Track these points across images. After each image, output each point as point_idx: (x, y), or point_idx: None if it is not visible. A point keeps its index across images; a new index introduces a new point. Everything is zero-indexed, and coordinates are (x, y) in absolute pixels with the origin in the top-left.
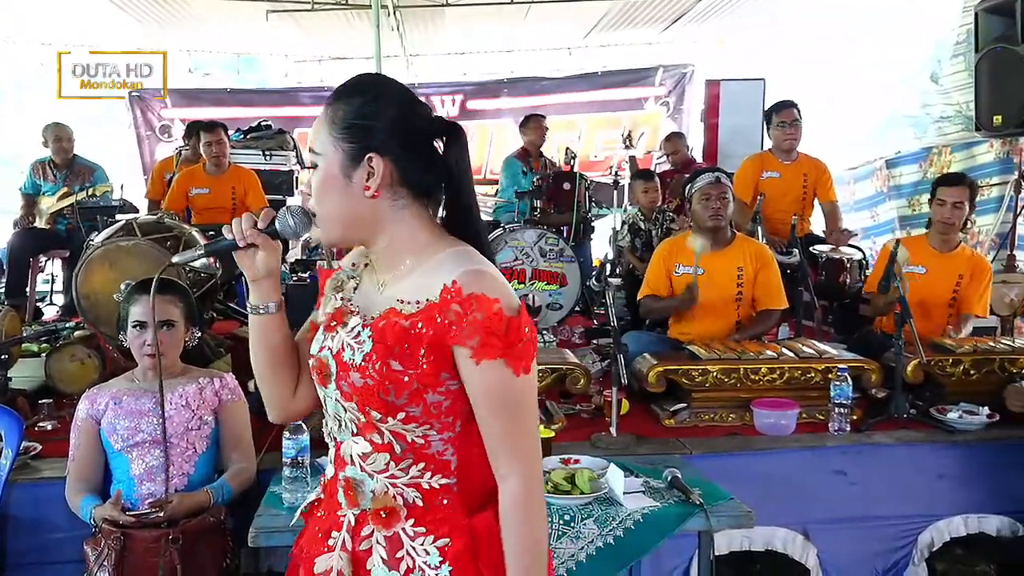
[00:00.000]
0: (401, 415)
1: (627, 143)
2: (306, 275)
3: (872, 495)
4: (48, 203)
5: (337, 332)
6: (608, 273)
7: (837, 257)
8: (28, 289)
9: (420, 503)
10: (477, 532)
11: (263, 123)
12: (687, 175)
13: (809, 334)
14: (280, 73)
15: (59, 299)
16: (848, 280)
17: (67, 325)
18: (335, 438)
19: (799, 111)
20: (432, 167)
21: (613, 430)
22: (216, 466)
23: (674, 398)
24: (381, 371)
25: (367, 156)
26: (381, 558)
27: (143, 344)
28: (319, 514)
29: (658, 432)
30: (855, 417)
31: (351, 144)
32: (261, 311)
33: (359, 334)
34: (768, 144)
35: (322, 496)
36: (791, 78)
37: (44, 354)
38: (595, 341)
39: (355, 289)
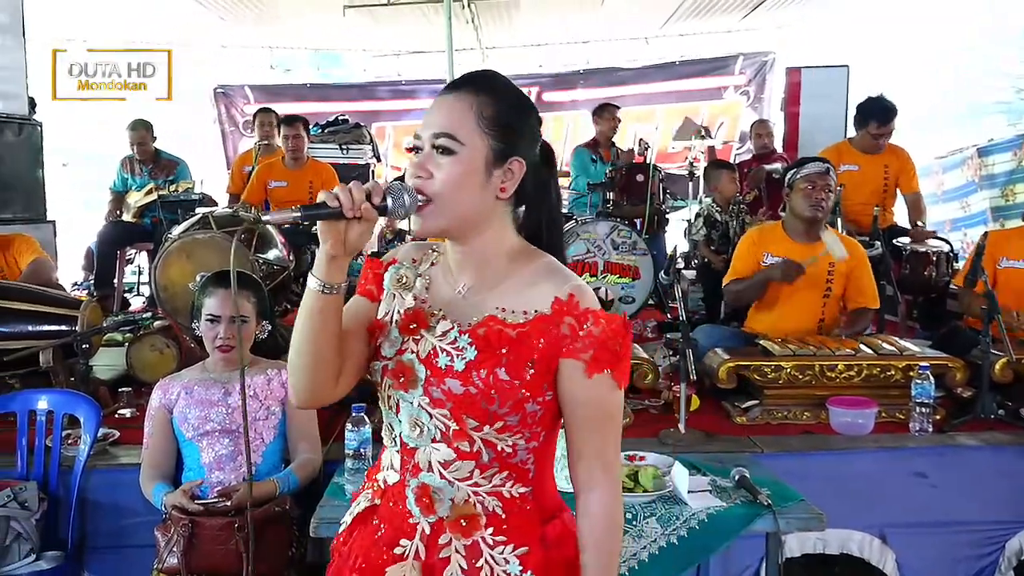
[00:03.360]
0: (499, 424)
1: (702, 135)
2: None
3: (955, 499)
4: (135, 197)
5: (422, 336)
6: (682, 266)
7: (922, 250)
8: (116, 280)
9: (500, 511)
10: (549, 540)
11: (340, 118)
12: (765, 165)
13: (893, 329)
14: (359, 68)
15: (146, 290)
16: (934, 274)
17: (145, 315)
18: (406, 444)
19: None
20: (538, 179)
21: (682, 426)
22: (283, 456)
23: (746, 395)
24: (487, 380)
25: (511, 159)
26: (460, 567)
27: (215, 337)
28: (375, 522)
29: (729, 429)
30: (938, 417)
31: (499, 143)
32: (332, 291)
33: (455, 340)
34: (850, 133)
35: (377, 503)
36: (876, 64)
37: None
38: (667, 335)
39: (427, 288)
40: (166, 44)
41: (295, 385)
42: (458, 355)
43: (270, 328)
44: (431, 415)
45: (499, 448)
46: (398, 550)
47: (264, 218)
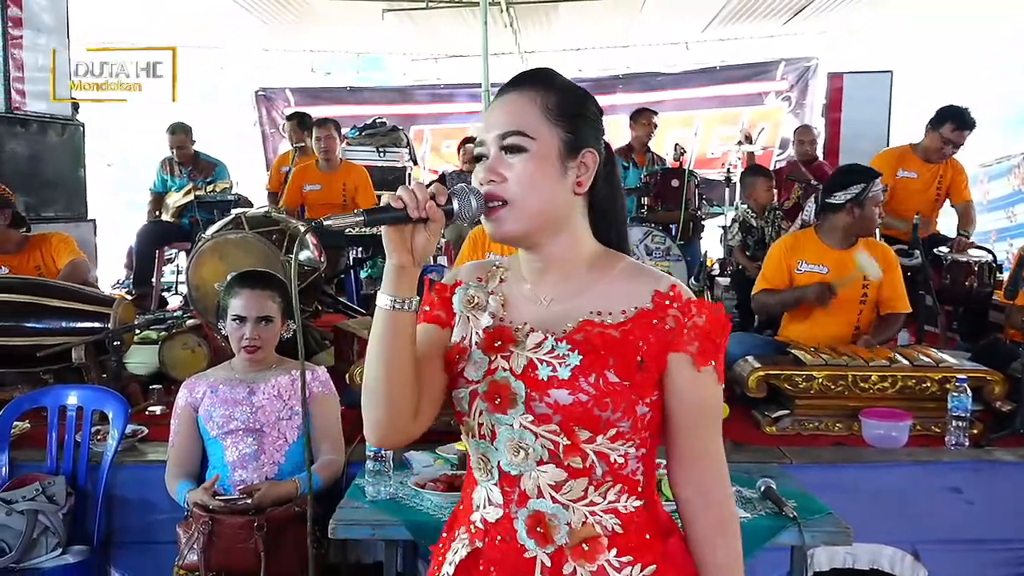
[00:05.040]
0: (612, 431)
1: (745, 141)
2: None
3: (991, 516)
4: (174, 198)
5: (512, 352)
6: (718, 272)
7: (963, 260)
8: (154, 279)
9: (619, 529)
10: (671, 557)
11: (378, 120)
12: (805, 168)
13: (931, 340)
14: (398, 72)
15: (184, 289)
16: (975, 284)
17: (175, 314)
18: (507, 473)
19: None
20: (605, 178)
21: None
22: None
23: (777, 404)
24: (597, 384)
25: (584, 150)
26: None
27: (241, 337)
28: (482, 567)
29: (758, 439)
30: (975, 431)
31: (570, 135)
32: (405, 307)
33: (553, 349)
34: (899, 139)
35: (480, 545)
36: (920, 69)
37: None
38: None
39: (503, 306)
40: (209, 46)
41: (371, 421)
42: (560, 363)
43: (295, 328)
44: (536, 434)
45: (612, 459)
46: None
47: (327, 222)
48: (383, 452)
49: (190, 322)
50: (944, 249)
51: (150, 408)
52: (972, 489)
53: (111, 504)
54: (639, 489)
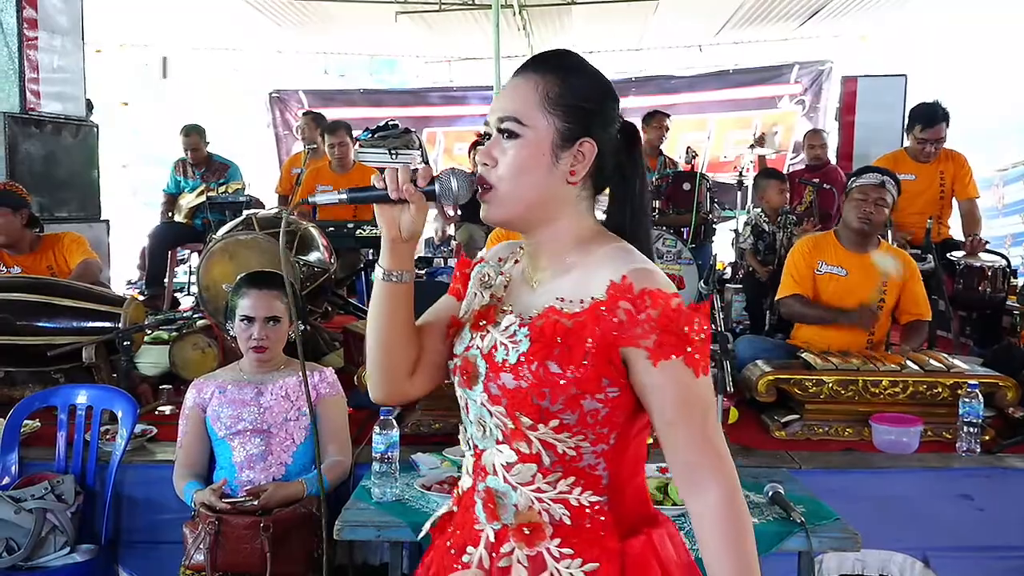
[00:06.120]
0: (554, 422)
1: (757, 143)
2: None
3: (1002, 523)
4: (187, 199)
5: (488, 331)
6: (729, 276)
7: (977, 264)
8: (166, 280)
9: (568, 521)
10: (628, 559)
11: (390, 122)
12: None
13: (945, 346)
14: (412, 74)
15: (196, 289)
16: (989, 289)
17: (185, 314)
18: (476, 446)
19: (948, 122)
20: (618, 164)
21: None
22: (314, 458)
23: (787, 409)
24: (537, 373)
25: (581, 140)
26: None
27: (249, 337)
28: (450, 529)
29: (767, 444)
30: (987, 438)
31: (567, 124)
32: (394, 278)
33: (515, 333)
34: (907, 142)
35: (454, 509)
36: (935, 73)
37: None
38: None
39: (505, 287)
40: (223, 48)
41: (369, 379)
42: (513, 347)
43: (303, 328)
44: (491, 413)
45: (560, 450)
46: (465, 558)
47: (312, 199)
48: (390, 453)
49: (200, 323)
50: (958, 253)
51: (159, 408)
52: (983, 496)
53: (119, 503)
54: (602, 484)
